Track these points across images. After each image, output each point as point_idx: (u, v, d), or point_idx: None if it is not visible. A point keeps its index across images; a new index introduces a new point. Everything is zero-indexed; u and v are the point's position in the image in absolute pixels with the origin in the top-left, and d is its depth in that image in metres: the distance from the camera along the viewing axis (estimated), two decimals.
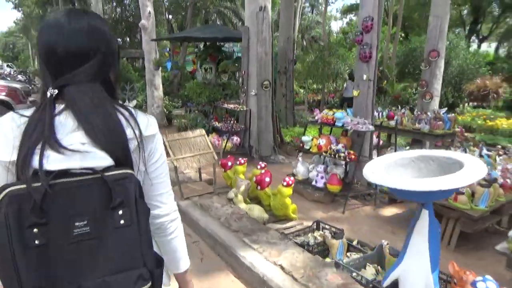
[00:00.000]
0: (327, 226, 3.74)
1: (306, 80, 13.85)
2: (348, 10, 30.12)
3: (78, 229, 0.85)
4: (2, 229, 0.79)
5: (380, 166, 1.83)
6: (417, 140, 7.18)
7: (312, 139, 5.46)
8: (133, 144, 0.96)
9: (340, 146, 5.13)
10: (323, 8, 33.19)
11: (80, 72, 0.93)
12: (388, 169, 1.83)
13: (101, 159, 0.88)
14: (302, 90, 16.89)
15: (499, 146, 6.76)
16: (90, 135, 0.89)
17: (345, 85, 13.21)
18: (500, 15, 18.06)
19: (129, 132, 0.95)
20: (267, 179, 4.43)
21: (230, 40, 10.85)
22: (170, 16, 19.39)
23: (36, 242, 0.82)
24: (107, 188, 0.87)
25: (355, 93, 5.23)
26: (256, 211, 4.10)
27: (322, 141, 5.18)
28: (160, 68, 10.02)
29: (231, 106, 7.31)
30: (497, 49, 17.88)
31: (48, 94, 0.91)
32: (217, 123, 7.58)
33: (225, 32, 9.81)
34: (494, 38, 21.75)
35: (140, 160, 0.99)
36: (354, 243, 3.41)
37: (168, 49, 10.84)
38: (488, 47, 17.79)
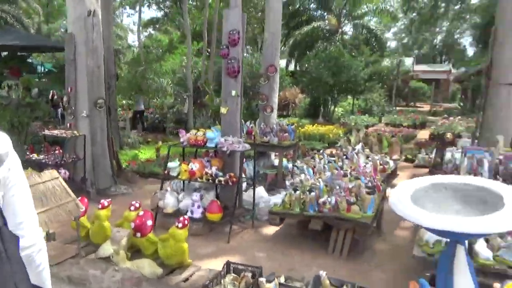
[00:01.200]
0: (240, 267, 3.22)
1: (126, 97, 12.70)
2: (148, 24, 29.47)
3: None
4: None
5: (407, 200, 1.53)
6: (262, 152, 7.34)
7: (180, 164, 4.78)
8: None
9: (214, 169, 4.67)
10: (119, 21, 31.63)
11: None
12: (417, 203, 1.54)
13: None
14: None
15: (334, 151, 7.63)
16: None
17: (136, 99, 12.99)
18: (287, 35, 21.10)
19: None
20: (149, 222, 3.56)
21: (39, 49, 8.69)
22: None
23: None
24: None
25: (223, 110, 4.86)
26: (147, 267, 3.21)
27: (195, 166, 4.58)
28: None
29: (56, 132, 5.77)
30: (287, 65, 20.82)
31: None
32: (36, 155, 5.85)
33: (32, 39, 7.73)
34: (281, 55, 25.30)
35: None
36: (282, 280, 3.03)
37: None
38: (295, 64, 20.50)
